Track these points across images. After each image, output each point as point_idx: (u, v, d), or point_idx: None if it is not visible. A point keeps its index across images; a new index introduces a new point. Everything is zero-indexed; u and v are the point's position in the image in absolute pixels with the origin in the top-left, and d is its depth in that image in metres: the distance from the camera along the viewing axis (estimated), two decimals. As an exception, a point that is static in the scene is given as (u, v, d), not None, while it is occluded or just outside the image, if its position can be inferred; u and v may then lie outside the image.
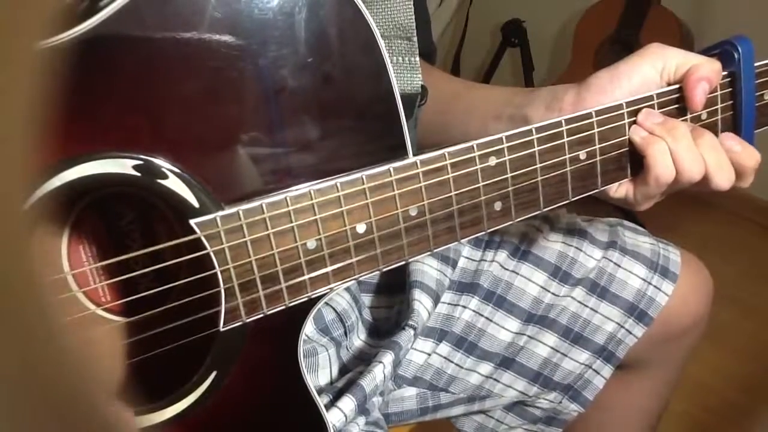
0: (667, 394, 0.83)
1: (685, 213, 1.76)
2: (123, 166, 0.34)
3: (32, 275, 0.18)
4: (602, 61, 1.99)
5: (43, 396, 0.19)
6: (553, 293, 0.69)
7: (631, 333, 0.70)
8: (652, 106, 0.51)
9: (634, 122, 0.51)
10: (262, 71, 0.38)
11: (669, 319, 0.71)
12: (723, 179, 0.51)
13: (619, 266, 0.70)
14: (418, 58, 0.54)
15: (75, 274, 0.41)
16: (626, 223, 0.75)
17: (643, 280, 0.69)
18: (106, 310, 0.42)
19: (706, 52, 0.55)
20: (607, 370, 0.71)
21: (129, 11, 0.33)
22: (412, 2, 0.53)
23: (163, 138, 0.36)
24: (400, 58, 0.53)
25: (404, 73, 0.54)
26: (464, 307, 0.69)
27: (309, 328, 0.64)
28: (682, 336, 0.76)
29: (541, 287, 0.69)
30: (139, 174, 0.35)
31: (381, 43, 0.41)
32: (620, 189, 0.54)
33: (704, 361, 1.30)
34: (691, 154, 0.50)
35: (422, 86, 0.56)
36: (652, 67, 0.52)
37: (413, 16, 0.53)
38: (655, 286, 0.69)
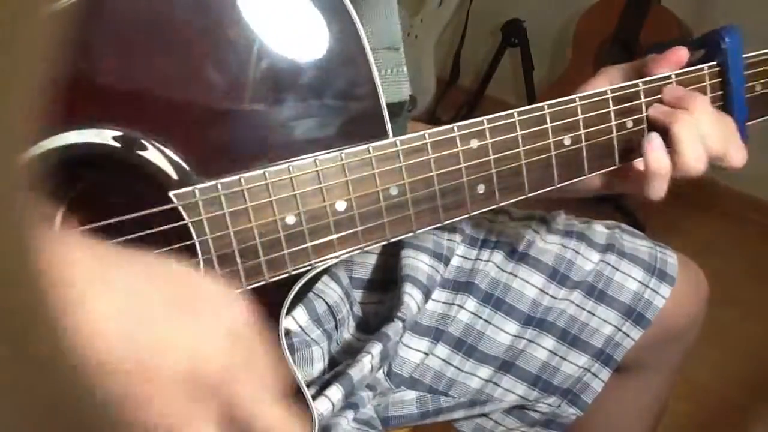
0: (666, 396, 0.83)
1: (686, 213, 1.75)
2: (103, 136, 0.35)
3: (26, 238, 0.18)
4: (602, 61, 1.99)
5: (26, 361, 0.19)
6: (551, 296, 0.69)
7: (628, 336, 0.69)
8: (637, 94, 0.52)
9: (620, 110, 0.51)
10: (243, 47, 0.39)
11: (665, 321, 0.71)
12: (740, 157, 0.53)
13: (616, 269, 0.70)
14: (405, 69, 0.55)
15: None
16: (624, 226, 0.76)
17: (641, 283, 0.69)
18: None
19: (693, 44, 0.55)
20: (605, 374, 0.70)
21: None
22: (398, 16, 0.53)
23: (145, 111, 0.37)
24: (389, 70, 0.54)
25: (392, 85, 0.55)
26: (460, 306, 0.69)
27: (302, 318, 0.65)
28: (678, 337, 0.76)
29: (539, 290, 0.69)
30: (118, 145, 0.36)
31: (361, 31, 0.41)
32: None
33: (704, 361, 1.28)
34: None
35: (411, 96, 0.57)
36: (603, 84, 0.54)
37: (399, 28, 0.53)
38: (652, 289, 0.69)
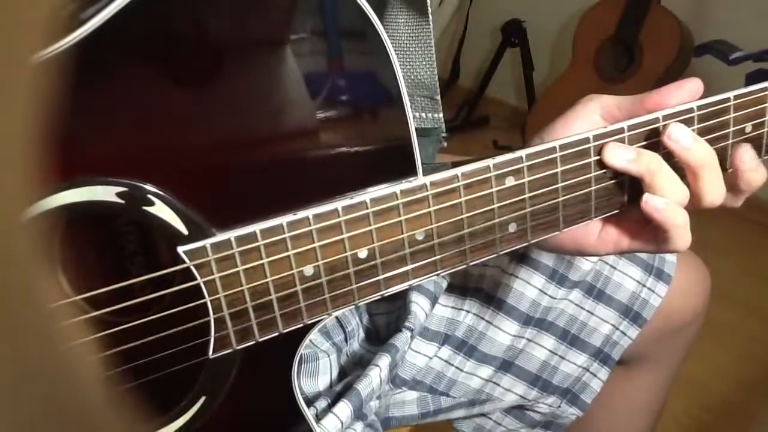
0: (668, 389, 0.84)
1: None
2: (107, 193, 0.31)
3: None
4: (602, 61, 2.00)
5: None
6: (550, 296, 0.68)
7: (625, 335, 0.70)
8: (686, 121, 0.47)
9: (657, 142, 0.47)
10: (253, 87, 0.35)
11: (670, 314, 0.72)
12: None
13: (615, 269, 0.70)
14: (441, 115, 0.53)
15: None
16: None
17: (638, 282, 0.70)
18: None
19: (761, 55, 0.51)
20: (604, 373, 0.71)
21: (114, 25, 0.30)
22: (435, 62, 0.51)
23: (150, 161, 0.33)
24: (423, 114, 0.51)
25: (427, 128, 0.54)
26: (468, 311, 0.69)
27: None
28: (682, 330, 0.77)
29: (539, 290, 0.68)
30: (123, 201, 0.32)
31: (393, 57, 0.37)
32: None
33: (704, 361, 1.29)
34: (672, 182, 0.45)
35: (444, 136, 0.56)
36: (592, 111, 0.48)
37: (436, 76, 0.51)
38: (649, 288, 0.70)
